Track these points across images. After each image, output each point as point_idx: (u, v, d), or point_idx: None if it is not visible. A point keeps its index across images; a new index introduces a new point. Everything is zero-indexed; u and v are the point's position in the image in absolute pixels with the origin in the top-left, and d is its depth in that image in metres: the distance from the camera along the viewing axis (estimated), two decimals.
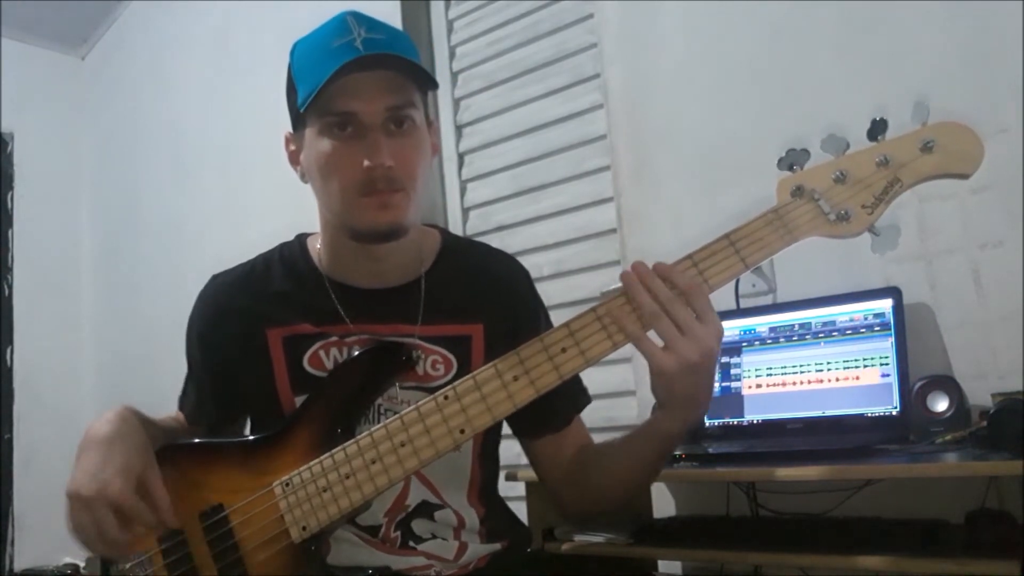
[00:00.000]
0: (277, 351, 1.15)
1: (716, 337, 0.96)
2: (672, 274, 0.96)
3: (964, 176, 0.94)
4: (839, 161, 0.96)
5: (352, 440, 1.03)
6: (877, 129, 0.95)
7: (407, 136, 1.09)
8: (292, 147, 1.17)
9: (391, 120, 1.08)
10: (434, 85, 1.13)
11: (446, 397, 1.00)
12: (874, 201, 0.95)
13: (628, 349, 0.99)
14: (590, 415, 1.24)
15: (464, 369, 1.14)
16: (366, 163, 1.05)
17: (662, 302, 0.95)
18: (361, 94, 1.06)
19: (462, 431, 0.99)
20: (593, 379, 1.23)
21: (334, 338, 1.15)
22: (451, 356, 1.16)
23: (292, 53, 1.13)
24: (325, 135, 1.08)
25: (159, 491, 1.04)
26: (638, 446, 1.11)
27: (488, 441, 1.21)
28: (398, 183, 1.07)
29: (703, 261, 0.97)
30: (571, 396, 1.20)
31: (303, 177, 1.16)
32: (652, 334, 0.97)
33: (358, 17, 1.09)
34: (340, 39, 1.06)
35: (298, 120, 1.13)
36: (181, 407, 1.26)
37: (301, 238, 1.24)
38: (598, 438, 1.24)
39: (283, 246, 1.24)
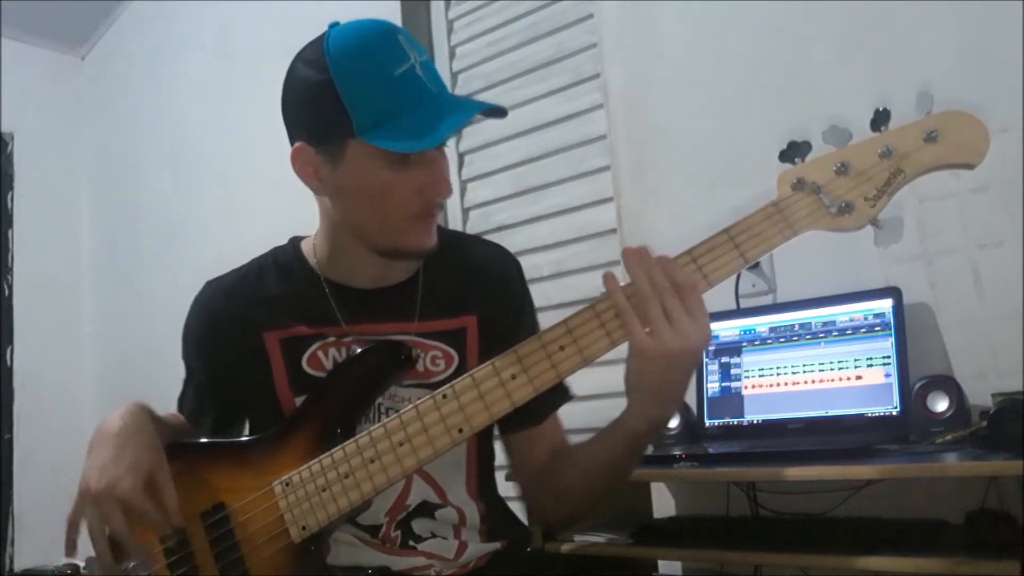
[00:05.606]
0: (275, 353, 1.15)
1: (702, 337, 0.94)
2: (672, 268, 0.94)
3: (969, 167, 0.91)
4: (841, 153, 0.93)
5: (351, 439, 1.03)
6: (880, 120, 0.92)
7: (444, 156, 1.09)
8: (308, 163, 1.08)
9: (441, 144, 1.08)
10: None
11: (444, 396, 0.99)
12: (876, 193, 0.92)
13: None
14: (590, 415, 1.24)
15: (463, 362, 1.14)
16: (433, 193, 1.06)
17: (656, 288, 0.93)
18: None
19: (460, 430, 0.99)
20: (593, 379, 1.23)
21: (331, 339, 1.15)
22: (451, 350, 1.16)
23: (335, 67, 1.01)
24: (384, 163, 1.03)
25: (168, 491, 1.04)
26: (607, 443, 1.09)
27: (482, 431, 1.20)
28: (443, 204, 1.10)
29: (702, 256, 0.95)
30: (552, 392, 1.13)
31: (319, 192, 1.11)
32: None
33: (400, 31, 1.05)
34: (400, 65, 1.01)
35: (328, 138, 1.05)
36: (180, 409, 1.26)
37: (294, 241, 1.24)
38: None
39: (276, 250, 1.24)
